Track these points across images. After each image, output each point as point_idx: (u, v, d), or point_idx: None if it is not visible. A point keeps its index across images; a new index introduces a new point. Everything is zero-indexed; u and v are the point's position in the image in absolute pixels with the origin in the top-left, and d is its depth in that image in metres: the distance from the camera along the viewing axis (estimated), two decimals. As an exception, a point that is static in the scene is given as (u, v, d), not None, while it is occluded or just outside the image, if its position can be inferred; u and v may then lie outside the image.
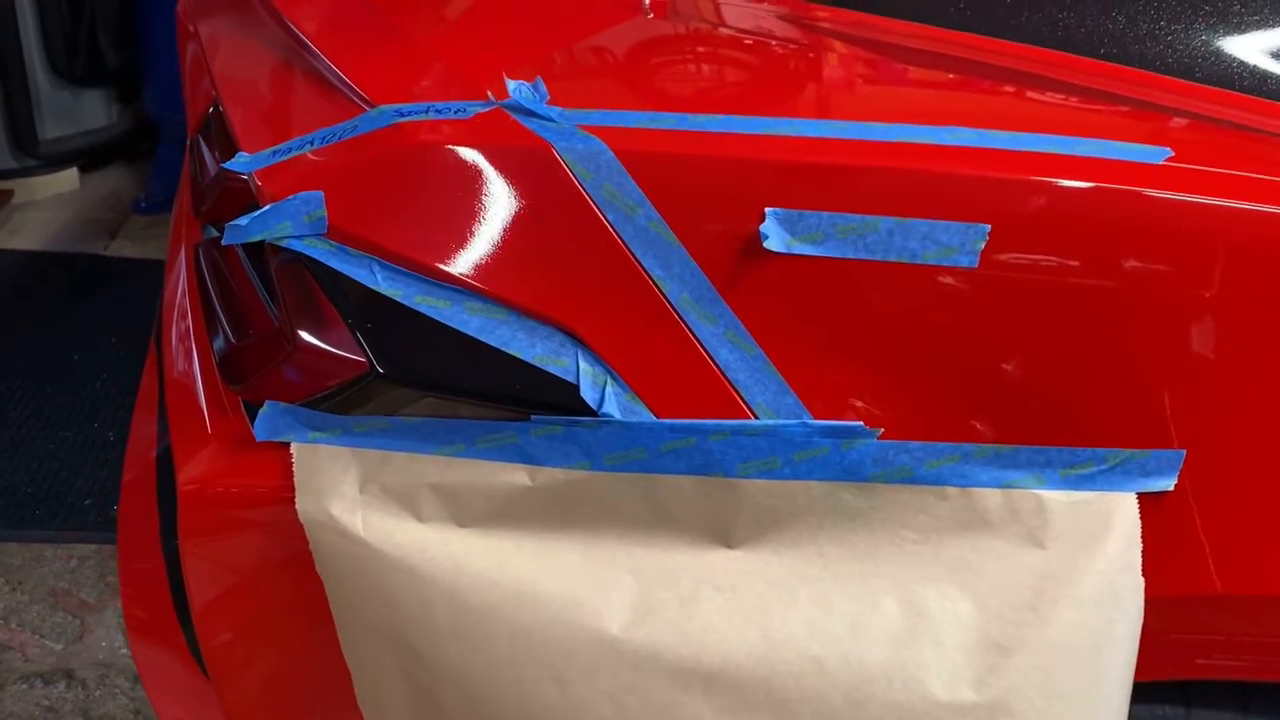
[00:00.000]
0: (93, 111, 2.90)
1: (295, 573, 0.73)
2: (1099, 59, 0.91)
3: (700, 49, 0.91)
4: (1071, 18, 0.95)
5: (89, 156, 2.95)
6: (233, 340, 0.74)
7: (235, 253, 0.82)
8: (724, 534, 0.67)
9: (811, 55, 0.88)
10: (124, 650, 1.57)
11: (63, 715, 1.47)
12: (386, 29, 0.88)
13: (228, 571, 0.75)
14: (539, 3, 0.98)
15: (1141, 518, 0.67)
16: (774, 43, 0.92)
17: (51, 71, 2.74)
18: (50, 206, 2.81)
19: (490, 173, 0.66)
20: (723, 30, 0.96)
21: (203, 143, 1.02)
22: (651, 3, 0.99)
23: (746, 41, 0.92)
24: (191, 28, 1.24)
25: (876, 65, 0.86)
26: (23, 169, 2.78)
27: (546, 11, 0.97)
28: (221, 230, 0.91)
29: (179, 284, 0.99)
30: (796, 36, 0.93)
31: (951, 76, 0.85)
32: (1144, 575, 0.67)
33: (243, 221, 0.66)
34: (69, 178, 2.89)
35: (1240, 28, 0.95)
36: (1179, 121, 0.81)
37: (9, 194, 2.73)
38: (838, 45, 0.90)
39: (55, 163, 2.84)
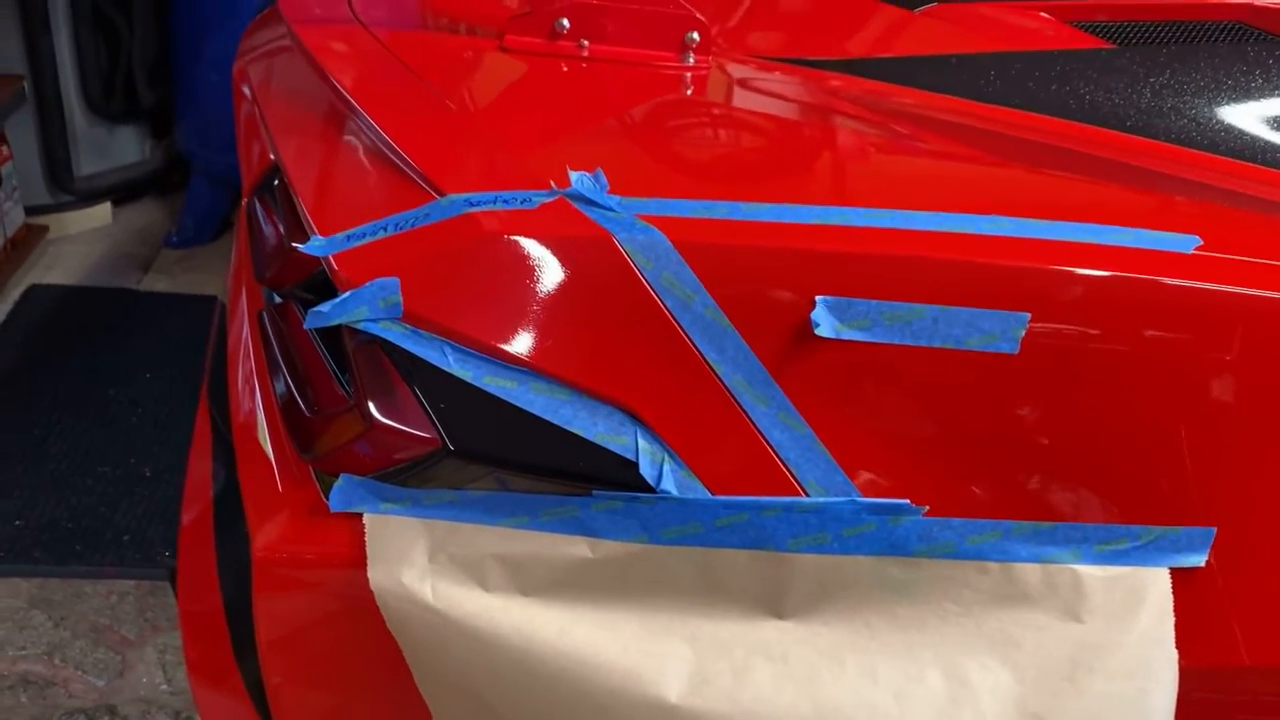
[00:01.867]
0: (126, 147, 2.97)
1: (362, 630, 0.76)
2: (1126, 132, 0.95)
3: (742, 129, 0.95)
4: (1098, 92, 0.99)
5: (122, 192, 3.02)
6: (305, 413, 0.77)
7: (302, 324, 0.86)
8: (776, 606, 0.70)
9: (852, 136, 0.92)
10: (164, 687, 1.61)
11: (105, 751, 1.51)
12: (443, 106, 0.93)
13: (298, 628, 0.79)
14: (580, 77, 1.02)
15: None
16: (813, 122, 0.96)
17: (88, 110, 2.81)
18: (84, 241, 2.87)
19: (555, 261, 0.70)
20: (761, 107, 1.00)
21: (259, 206, 1.06)
22: (692, 77, 1.03)
23: (788, 122, 0.96)
24: (247, 90, 1.29)
25: (917, 147, 0.90)
26: (58, 204, 2.84)
27: (588, 87, 1.01)
28: (283, 295, 0.96)
29: (241, 342, 1.03)
30: (833, 112, 0.97)
31: (989, 156, 0.89)
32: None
33: (324, 309, 0.69)
34: (102, 212, 2.96)
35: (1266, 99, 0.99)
36: (1210, 202, 0.85)
37: (45, 229, 2.79)
38: (876, 123, 0.94)
39: (90, 198, 2.90)
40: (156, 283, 2.75)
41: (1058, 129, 0.95)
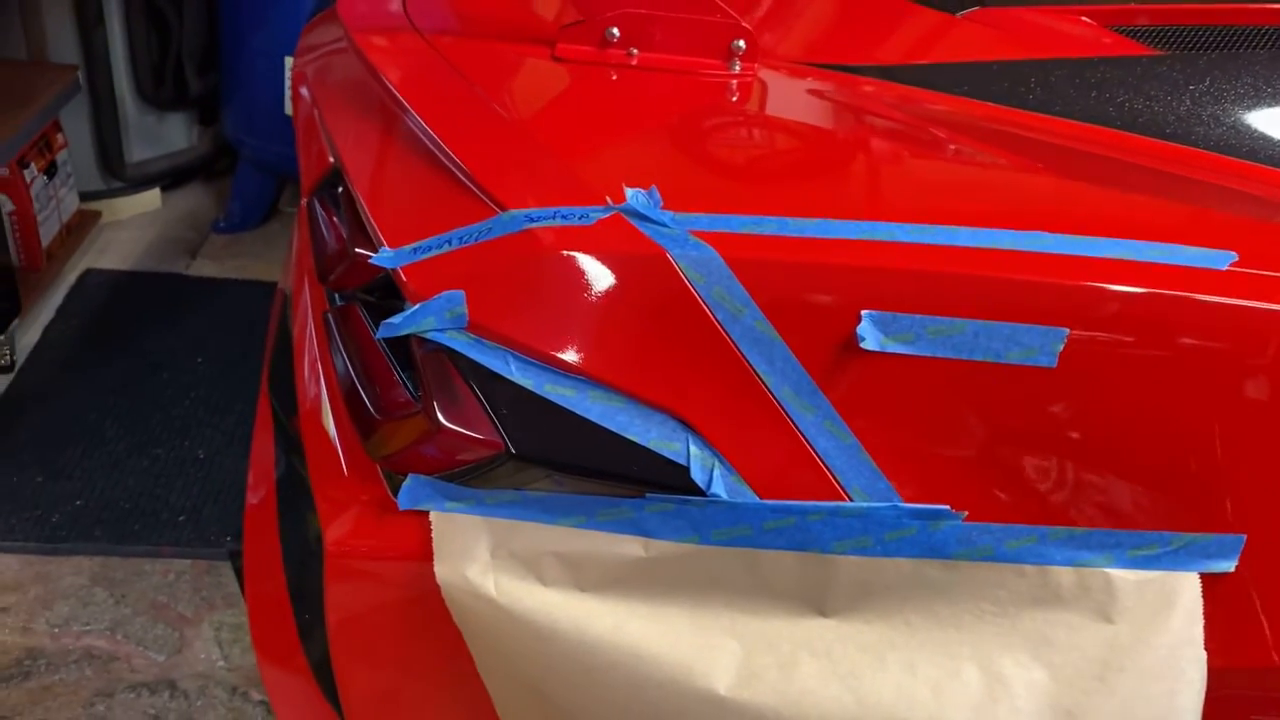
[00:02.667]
0: (175, 134, 3.04)
1: (425, 619, 0.81)
2: (1166, 140, 0.97)
3: (791, 138, 0.98)
4: (1139, 99, 1.01)
5: (171, 178, 3.09)
6: (372, 413, 0.82)
7: (364, 324, 0.90)
8: (820, 604, 0.74)
9: (898, 144, 0.95)
10: (221, 663, 1.68)
11: (167, 723, 1.58)
12: (500, 116, 0.96)
13: (365, 616, 0.83)
14: (631, 86, 1.05)
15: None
16: (858, 130, 0.99)
17: (139, 98, 2.88)
18: (135, 226, 2.94)
19: (611, 276, 0.74)
20: (809, 116, 1.03)
21: (320, 208, 1.11)
22: (738, 84, 1.06)
23: (834, 131, 0.99)
24: (305, 92, 1.33)
25: (962, 155, 0.92)
26: (110, 190, 2.92)
27: (639, 96, 1.04)
28: (345, 297, 1.00)
29: (306, 339, 1.07)
30: (878, 120, 0.99)
31: (1033, 165, 0.91)
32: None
33: (396, 320, 0.74)
34: (152, 198, 3.03)
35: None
36: (1249, 215, 0.87)
37: (97, 214, 2.87)
38: (921, 131, 0.96)
39: (140, 184, 2.98)
40: (204, 267, 2.81)
41: (1099, 137, 0.97)
